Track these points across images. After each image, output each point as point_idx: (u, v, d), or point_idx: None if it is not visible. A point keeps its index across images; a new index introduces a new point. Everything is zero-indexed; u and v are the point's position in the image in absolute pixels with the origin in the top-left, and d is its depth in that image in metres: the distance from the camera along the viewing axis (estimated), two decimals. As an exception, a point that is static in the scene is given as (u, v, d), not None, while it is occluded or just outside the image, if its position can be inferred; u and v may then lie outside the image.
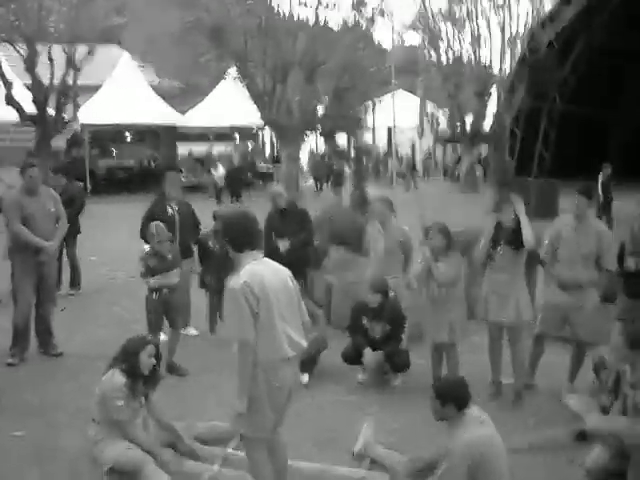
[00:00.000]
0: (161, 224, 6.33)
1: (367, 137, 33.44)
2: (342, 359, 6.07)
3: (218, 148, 25.57)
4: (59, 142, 19.89)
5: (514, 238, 5.43)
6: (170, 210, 6.95)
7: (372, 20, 21.64)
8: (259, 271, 3.72)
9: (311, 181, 26.07)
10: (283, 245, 7.07)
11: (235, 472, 4.32)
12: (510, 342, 5.64)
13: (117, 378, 4.39)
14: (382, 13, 21.29)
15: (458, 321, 5.70)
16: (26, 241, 6.13)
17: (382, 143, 33.33)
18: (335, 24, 21.58)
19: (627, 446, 4.13)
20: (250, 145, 27.87)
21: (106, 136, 23.50)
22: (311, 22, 20.67)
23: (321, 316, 6.83)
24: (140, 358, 4.47)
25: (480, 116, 23.85)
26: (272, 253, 7.08)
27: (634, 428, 4.08)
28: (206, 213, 7.62)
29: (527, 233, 5.36)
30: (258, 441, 3.83)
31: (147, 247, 6.44)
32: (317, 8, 20.53)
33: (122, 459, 4.27)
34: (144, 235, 6.86)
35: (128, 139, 24.37)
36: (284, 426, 4.08)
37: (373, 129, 32.22)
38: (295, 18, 20.49)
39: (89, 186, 20.41)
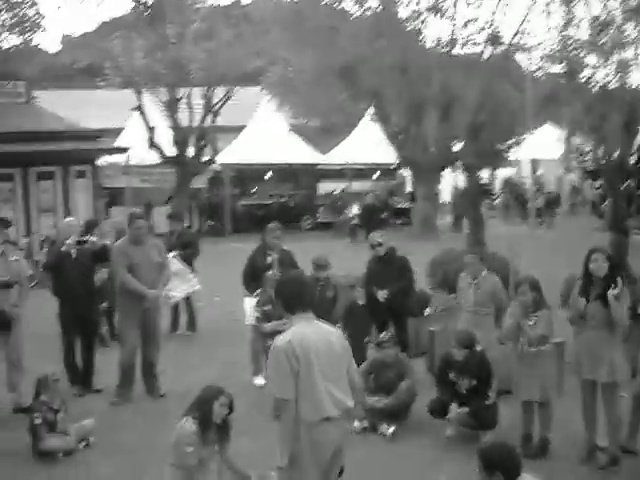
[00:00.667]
0: (276, 272, 6.76)
1: (510, 171, 32.43)
2: (428, 412, 5.99)
3: (357, 186, 25.95)
4: (200, 182, 21.05)
5: (604, 292, 5.14)
6: (270, 258, 7.27)
7: (509, 53, 21.15)
8: (302, 330, 3.83)
9: (449, 218, 25.66)
10: (382, 295, 7.11)
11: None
12: (604, 401, 5.32)
13: (189, 425, 4.63)
14: (519, 48, 20.72)
15: (550, 379, 5.47)
16: (131, 288, 6.63)
17: (526, 177, 32.19)
18: (471, 60, 21.31)
19: None
20: (389, 183, 28.00)
21: (247, 176, 24.55)
22: (446, 59, 20.57)
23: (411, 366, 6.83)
24: (213, 407, 4.68)
25: (627, 148, 22.46)
26: (371, 301, 7.19)
27: None
28: (337, 252, 7.81)
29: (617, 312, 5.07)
30: None
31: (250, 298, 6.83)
32: (452, 45, 20.47)
33: None
34: (247, 283, 7.22)
35: (268, 178, 25.28)
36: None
37: (517, 163, 31.22)
38: (428, 56, 20.48)
39: (229, 225, 21.47)
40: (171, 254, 8.37)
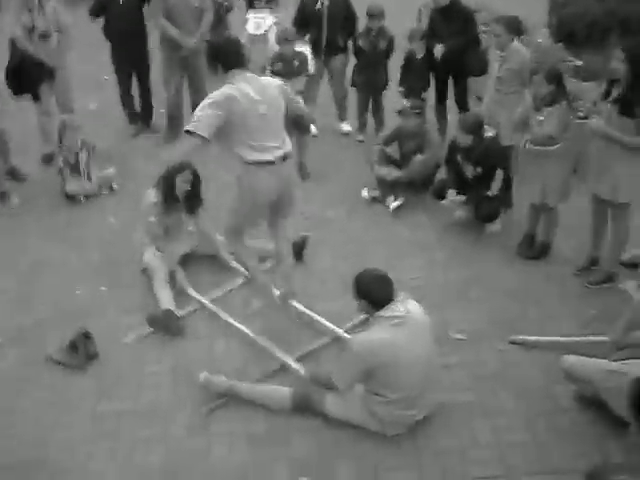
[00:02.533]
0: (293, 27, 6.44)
1: None
2: (430, 192, 5.80)
3: None
4: None
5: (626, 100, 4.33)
6: (319, 4, 6.76)
7: None
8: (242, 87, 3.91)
9: None
10: (438, 50, 6.45)
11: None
12: (611, 218, 4.80)
13: (151, 196, 4.90)
14: None
15: (553, 183, 4.92)
16: (168, 36, 6.60)
17: None
18: None
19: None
20: None
21: None
22: None
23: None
24: (175, 182, 4.88)
25: None
26: (430, 56, 6.58)
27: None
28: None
29: None
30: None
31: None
32: None
33: (149, 263, 4.96)
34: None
35: None
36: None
37: None
38: None
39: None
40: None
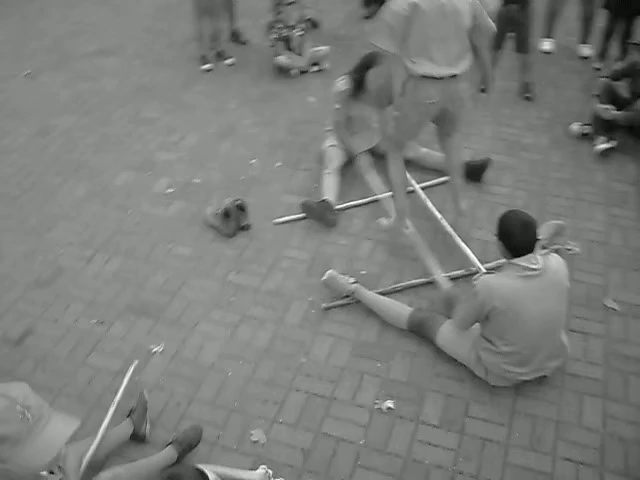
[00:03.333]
0: None
1: None
2: None
3: None
4: None
5: None
6: None
7: None
8: None
9: None
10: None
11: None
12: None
13: (341, 83, 4.83)
14: None
15: None
16: None
17: None
18: None
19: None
20: None
21: None
22: None
23: None
24: (366, 73, 4.74)
25: None
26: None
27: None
28: None
29: None
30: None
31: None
32: None
33: (326, 151, 4.97)
34: None
35: None
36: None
37: None
38: None
39: None
40: None
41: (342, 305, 3.93)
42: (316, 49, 6.37)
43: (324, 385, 3.51)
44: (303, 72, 6.36)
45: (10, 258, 4.38)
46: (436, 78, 3.75)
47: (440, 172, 4.85)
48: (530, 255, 3.21)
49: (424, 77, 3.76)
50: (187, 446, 3.14)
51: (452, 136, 4.20)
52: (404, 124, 4.03)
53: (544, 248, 3.60)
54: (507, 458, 3.16)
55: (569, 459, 3.15)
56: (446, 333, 3.58)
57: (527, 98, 5.91)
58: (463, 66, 3.81)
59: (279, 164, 5.14)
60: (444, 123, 4.11)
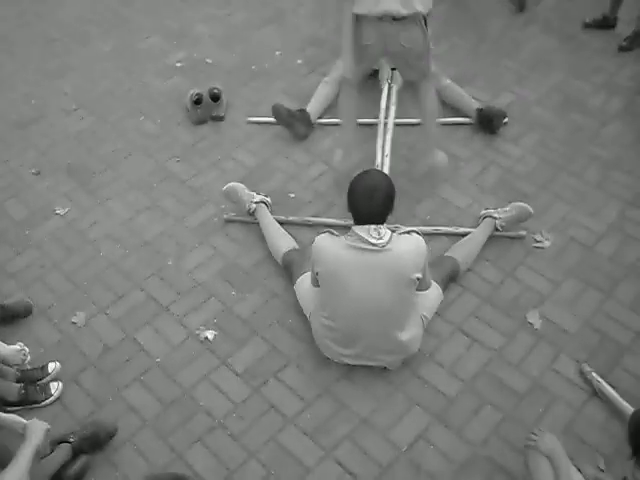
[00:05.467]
0: None
1: None
2: None
3: None
4: None
5: None
6: None
7: None
8: None
9: None
10: None
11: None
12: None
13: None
14: None
15: None
16: None
17: None
18: None
19: None
20: None
21: None
22: None
23: None
24: None
25: None
26: None
27: None
28: None
29: None
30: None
31: None
32: None
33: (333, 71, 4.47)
34: None
35: None
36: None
37: None
38: None
39: None
40: None
41: (244, 222, 3.70)
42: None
43: (168, 294, 3.42)
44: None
45: (10, 96, 4.68)
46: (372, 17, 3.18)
47: (457, 110, 4.21)
48: (373, 227, 2.72)
49: (359, 15, 3.21)
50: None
51: (419, 84, 3.56)
52: (346, 59, 3.49)
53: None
54: (278, 435, 2.88)
55: (341, 464, 2.78)
56: (300, 284, 3.24)
57: (622, 48, 4.73)
58: (411, 6, 3.17)
59: (300, 62, 4.77)
60: (400, 69, 3.51)
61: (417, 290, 2.94)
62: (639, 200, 3.76)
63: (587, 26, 4.89)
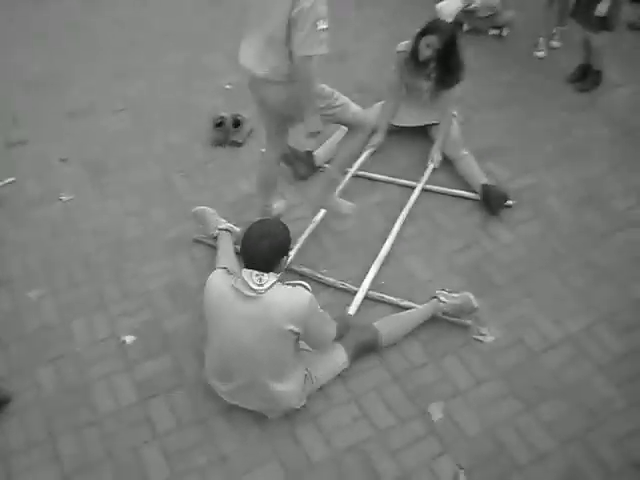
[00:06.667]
0: None
1: None
2: None
3: None
4: None
5: None
6: None
7: None
8: None
9: None
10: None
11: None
12: None
13: (403, 44, 4.24)
14: None
15: None
16: None
17: None
18: None
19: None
20: None
21: None
22: None
23: None
24: (419, 42, 4.08)
25: None
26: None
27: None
28: None
29: None
30: None
31: None
32: None
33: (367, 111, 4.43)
34: None
35: None
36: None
37: None
38: None
39: None
40: None
41: (210, 245, 3.85)
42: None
43: (114, 293, 3.65)
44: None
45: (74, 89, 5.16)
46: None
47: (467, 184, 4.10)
48: (255, 272, 2.76)
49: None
50: None
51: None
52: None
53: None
54: (142, 447, 2.98)
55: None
56: None
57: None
58: (267, 67, 3.23)
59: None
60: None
61: (312, 347, 2.92)
62: (614, 317, 3.45)
63: None
